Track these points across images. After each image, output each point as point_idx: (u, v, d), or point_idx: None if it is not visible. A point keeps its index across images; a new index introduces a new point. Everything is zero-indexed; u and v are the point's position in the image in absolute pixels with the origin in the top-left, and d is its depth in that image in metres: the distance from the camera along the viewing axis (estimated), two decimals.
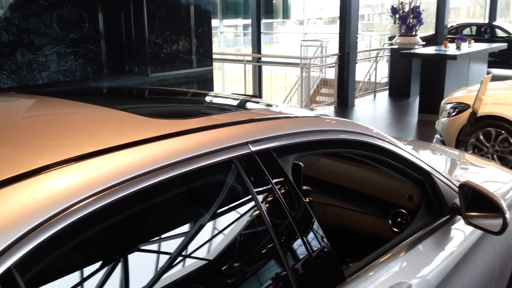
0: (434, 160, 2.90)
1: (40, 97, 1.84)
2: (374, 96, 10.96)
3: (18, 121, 1.45)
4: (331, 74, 11.44)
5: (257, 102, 2.14)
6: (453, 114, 5.80)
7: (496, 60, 13.61)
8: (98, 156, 1.07)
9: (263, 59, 11.92)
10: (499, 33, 15.44)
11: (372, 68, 11.53)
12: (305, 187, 2.51)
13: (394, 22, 12.73)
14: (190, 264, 1.23)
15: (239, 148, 1.31)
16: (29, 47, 4.66)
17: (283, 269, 1.31)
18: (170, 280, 1.16)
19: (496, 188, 2.46)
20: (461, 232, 2.07)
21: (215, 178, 1.33)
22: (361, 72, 11.43)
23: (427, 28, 15.93)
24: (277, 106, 2.02)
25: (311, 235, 1.42)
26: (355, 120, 5.33)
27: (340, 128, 1.75)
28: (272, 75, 11.37)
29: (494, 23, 15.95)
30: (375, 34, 21.18)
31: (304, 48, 15.10)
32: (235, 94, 3.82)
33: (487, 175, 2.95)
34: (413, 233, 1.90)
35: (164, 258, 1.16)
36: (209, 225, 1.29)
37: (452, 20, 14.87)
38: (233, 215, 1.36)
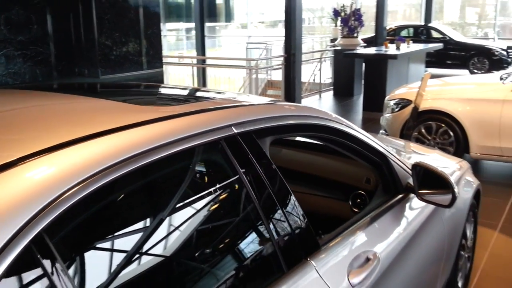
0: None
1: (32, 91, 1.92)
2: (320, 96, 11.27)
3: (21, 110, 1.52)
4: (276, 76, 11.68)
5: (228, 93, 2.27)
6: (397, 109, 6.11)
7: (433, 60, 14.26)
8: (103, 136, 1.16)
9: (210, 62, 12.01)
10: (435, 34, 16.17)
11: (316, 69, 11.84)
12: None
13: (336, 25, 13.13)
14: (186, 232, 1.33)
15: (224, 130, 1.44)
16: None
17: (269, 238, 1.45)
18: (167, 252, 1.27)
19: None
20: (415, 208, 2.27)
21: (206, 156, 1.45)
22: (306, 73, 11.71)
23: (366, 31, 16.47)
24: (249, 96, 2.16)
25: (290, 207, 1.56)
26: None
27: (307, 114, 1.90)
28: (217, 78, 11.49)
29: (430, 24, 16.68)
30: (317, 37, 21.65)
31: (249, 50, 15.29)
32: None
33: (432, 160, 3.18)
34: (372, 210, 2.07)
35: (161, 231, 1.27)
36: (202, 196, 1.41)
37: (389, 23, 15.43)
38: (222, 188, 1.48)
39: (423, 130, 5.85)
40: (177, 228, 1.30)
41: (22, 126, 1.30)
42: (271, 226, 1.46)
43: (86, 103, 1.65)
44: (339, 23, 11.58)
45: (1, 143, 1.15)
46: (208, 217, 1.42)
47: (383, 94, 8.09)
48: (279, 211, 1.51)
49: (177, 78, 12.37)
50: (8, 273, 0.87)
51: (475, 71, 14.71)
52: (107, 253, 1.15)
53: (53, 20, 5.38)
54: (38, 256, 0.92)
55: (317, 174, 2.66)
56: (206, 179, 1.51)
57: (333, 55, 11.68)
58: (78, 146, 1.11)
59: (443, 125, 5.71)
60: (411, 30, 16.72)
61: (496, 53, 14.81)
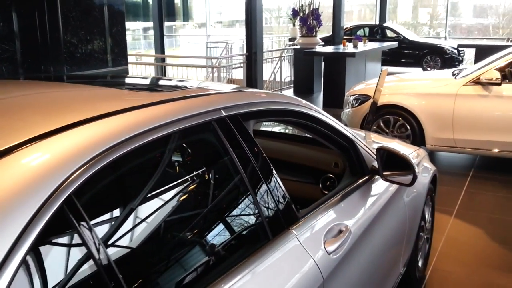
0: None
1: (42, 81, 2.06)
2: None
3: (31, 96, 1.65)
4: (236, 75, 11.84)
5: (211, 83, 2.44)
6: (356, 105, 6.37)
7: (388, 58, 14.74)
8: (112, 116, 1.31)
9: (170, 61, 12.07)
10: (389, 33, 16.68)
11: (277, 68, 12.07)
12: None
13: (294, 25, 13.39)
14: (186, 199, 1.50)
15: (215, 113, 1.61)
16: None
17: (256, 209, 1.62)
18: (168, 217, 1.42)
19: None
20: (379, 188, 2.48)
21: (201, 135, 1.62)
22: (267, 72, 11.93)
23: (323, 31, 16.83)
24: (220, 84, 2.33)
25: (272, 182, 1.73)
26: None
27: (282, 100, 2.08)
28: (178, 77, 11.55)
29: (385, 24, 17.19)
30: (275, 37, 21.94)
31: (209, 49, 15.41)
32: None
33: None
34: (342, 190, 2.27)
35: (164, 198, 1.43)
36: (198, 169, 1.57)
37: (345, 23, 15.83)
38: (215, 164, 1.66)
39: (381, 124, 6.13)
40: (179, 195, 1.47)
41: (40, 109, 1.44)
42: (258, 198, 1.64)
43: (87, 90, 1.79)
44: (297, 22, 11.84)
45: (25, 122, 1.29)
46: (202, 188, 1.58)
47: (342, 90, 8.36)
48: (264, 185, 1.68)
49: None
50: (47, 225, 1.01)
51: (428, 69, 15.27)
52: (121, 212, 1.30)
53: (19, 18, 5.39)
54: (69, 213, 1.07)
55: (289, 161, 2.84)
56: (201, 155, 1.68)
57: (292, 54, 11.93)
58: (96, 123, 1.26)
59: (400, 118, 6.00)
60: (367, 29, 17.19)
61: (448, 51, 15.41)
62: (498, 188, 5.33)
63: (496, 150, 5.62)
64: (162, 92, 1.78)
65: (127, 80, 2.56)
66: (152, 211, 1.39)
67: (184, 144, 1.57)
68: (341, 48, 9.74)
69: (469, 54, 15.36)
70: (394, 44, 12.52)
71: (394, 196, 2.58)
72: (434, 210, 3.62)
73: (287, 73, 12.52)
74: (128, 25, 24.33)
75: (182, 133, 1.47)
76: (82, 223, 1.09)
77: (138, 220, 1.33)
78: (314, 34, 11.05)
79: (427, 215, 3.41)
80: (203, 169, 1.61)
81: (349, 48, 9.70)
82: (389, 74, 6.48)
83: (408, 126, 5.95)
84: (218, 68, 10.56)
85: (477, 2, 25.87)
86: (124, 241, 1.27)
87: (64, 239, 1.12)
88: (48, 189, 1.04)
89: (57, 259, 1.10)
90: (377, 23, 17.63)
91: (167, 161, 1.49)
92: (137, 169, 1.40)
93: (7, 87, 1.87)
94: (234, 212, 1.65)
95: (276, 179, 1.76)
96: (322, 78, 9.80)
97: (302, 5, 11.14)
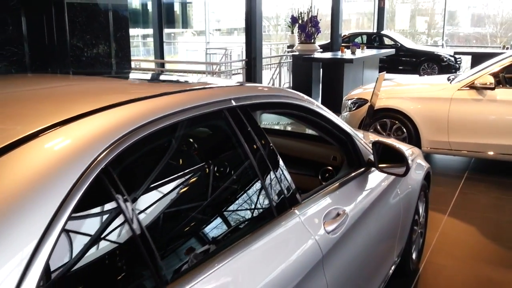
0: None
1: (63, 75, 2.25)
2: None
3: (61, 88, 1.84)
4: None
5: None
6: (354, 108, 6.54)
7: (385, 65, 14.92)
8: (143, 100, 1.50)
9: (171, 66, 12.25)
10: (387, 41, 16.91)
11: (275, 74, 12.25)
12: None
13: (292, 32, 13.62)
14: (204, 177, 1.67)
15: (226, 102, 1.78)
16: None
17: (264, 191, 1.79)
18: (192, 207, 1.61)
19: None
20: (375, 179, 2.64)
21: (213, 121, 1.79)
22: (266, 78, 12.11)
23: (321, 39, 17.07)
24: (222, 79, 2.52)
25: (277, 167, 1.90)
26: (263, 118, 5.92)
27: (285, 94, 2.25)
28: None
29: (382, 32, 17.42)
30: (273, 45, 22.19)
31: (209, 56, 15.62)
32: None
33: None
34: (340, 179, 2.43)
35: (186, 178, 1.60)
36: (214, 151, 1.75)
37: (343, 31, 16.06)
38: (227, 149, 1.84)
39: (378, 127, 6.30)
40: (196, 173, 1.65)
41: (72, 96, 1.62)
42: (264, 179, 1.81)
43: (112, 82, 1.97)
44: (296, 30, 12.03)
45: (60, 107, 1.46)
46: (214, 167, 1.76)
47: (340, 95, 8.54)
48: (270, 169, 1.85)
49: None
50: (88, 189, 1.17)
51: (425, 76, 15.48)
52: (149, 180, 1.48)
53: (28, 22, 5.56)
54: (106, 181, 1.23)
55: (290, 155, 3.01)
56: (216, 139, 1.86)
57: (291, 60, 12.12)
58: (130, 105, 1.44)
59: (396, 122, 6.17)
60: (365, 37, 17.42)
61: (445, 59, 15.62)
62: (491, 189, 5.49)
63: (491, 153, 5.79)
64: (180, 83, 1.97)
65: (145, 76, 2.76)
66: (173, 186, 1.56)
67: (201, 128, 1.75)
68: (339, 55, 9.93)
69: (466, 62, 15.57)
70: (392, 51, 12.72)
71: (389, 188, 2.74)
72: (428, 206, 3.79)
73: (286, 79, 12.71)
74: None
75: (199, 118, 1.64)
76: (114, 193, 1.25)
77: (161, 193, 1.49)
78: (312, 41, 11.24)
79: (421, 210, 3.57)
80: (218, 151, 1.79)
81: (347, 54, 9.90)
82: (385, 80, 6.67)
83: (404, 129, 6.12)
84: (218, 74, 10.75)
85: (474, 11, 26.16)
86: (150, 211, 1.43)
87: (97, 208, 1.27)
88: (86, 162, 1.20)
89: (92, 226, 1.25)
90: (375, 31, 17.86)
91: (186, 143, 1.67)
92: (162, 148, 1.57)
93: (33, 80, 2.05)
94: (247, 193, 1.83)
95: (281, 164, 1.93)
96: (321, 84, 9.97)
97: (301, 13, 11.34)
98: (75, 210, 1.12)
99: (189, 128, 1.65)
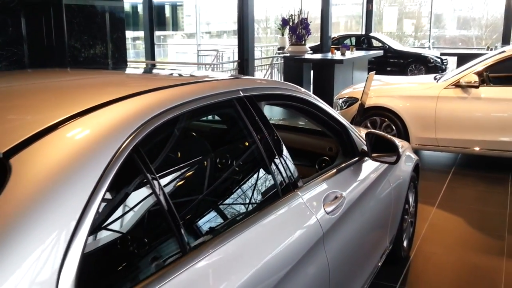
0: None
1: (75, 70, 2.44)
2: None
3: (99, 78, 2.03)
4: None
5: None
6: (345, 107, 6.75)
7: (373, 67, 15.16)
8: (168, 88, 1.69)
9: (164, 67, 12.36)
10: (375, 43, 17.18)
11: (267, 75, 12.45)
12: None
13: (282, 34, 13.82)
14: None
15: (235, 93, 1.95)
16: None
17: (270, 173, 1.97)
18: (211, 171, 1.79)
19: None
20: (368, 168, 2.83)
21: (225, 110, 1.98)
22: None
23: (310, 41, 17.31)
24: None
25: (281, 152, 2.08)
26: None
27: (285, 87, 2.44)
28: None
29: (371, 34, 17.70)
30: (263, 47, 22.41)
31: (201, 57, 15.79)
32: None
33: None
34: (336, 167, 2.62)
35: (205, 158, 1.79)
36: (225, 137, 1.94)
37: (332, 33, 16.30)
38: (237, 135, 2.03)
39: (368, 124, 6.50)
40: (213, 154, 1.84)
41: (94, 87, 1.79)
42: (270, 163, 1.99)
43: (129, 76, 2.15)
44: (286, 32, 12.24)
45: (93, 94, 1.64)
46: (228, 152, 1.95)
47: (331, 96, 8.74)
48: (275, 153, 2.03)
49: None
50: (123, 166, 1.32)
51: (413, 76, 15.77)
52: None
53: (27, 24, 5.70)
54: (137, 158, 1.39)
55: (289, 146, 3.19)
56: (229, 125, 2.05)
57: (282, 62, 12.32)
58: (154, 93, 1.62)
59: (386, 119, 6.38)
60: (353, 39, 17.69)
61: (432, 60, 15.93)
62: (477, 183, 5.72)
63: (476, 149, 6.01)
64: (193, 76, 2.16)
65: (155, 70, 2.96)
66: (193, 166, 1.75)
67: (216, 116, 1.93)
68: (329, 56, 10.15)
69: (452, 63, 15.87)
70: (380, 52, 12.97)
71: (381, 177, 2.94)
72: (417, 197, 3.99)
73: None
74: None
75: (212, 106, 1.81)
76: (143, 171, 1.40)
77: (182, 171, 1.67)
78: (303, 42, 11.45)
79: (411, 200, 3.77)
80: (231, 137, 1.98)
81: (337, 55, 10.12)
82: (374, 80, 6.88)
83: (393, 127, 6.33)
84: None
85: (460, 14, 26.56)
86: (173, 188, 1.61)
87: (133, 181, 1.42)
88: (117, 144, 1.33)
89: (123, 201, 1.40)
90: (364, 33, 18.13)
91: (202, 127, 1.85)
92: (183, 131, 1.76)
93: (50, 73, 2.23)
94: (254, 172, 2.02)
95: (284, 150, 2.11)
96: (312, 85, 10.18)
97: (292, 15, 11.55)
98: (109, 187, 1.24)
99: (204, 114, 1.83)
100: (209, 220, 1.71)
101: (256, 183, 1.99)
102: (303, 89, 2.60)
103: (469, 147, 6.05)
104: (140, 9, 16.52)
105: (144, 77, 2.14)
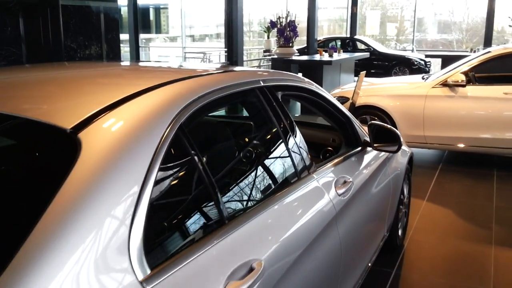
0: None
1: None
2: None
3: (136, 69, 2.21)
4: None
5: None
6: None
7: (358, 69, 15.34)
8: (202, 76, 1.88)
9: None
10: (360, 46, 17.47)
11: None
12: None
13: (268, 37, 14.00)
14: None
15: (256, 82, 2.12)
16: None
17: (291, 159, 2.13)
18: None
19: None
20: (370, 157, 3.01)
21: (248, 97, 2.14)
22: None
23: (296, 44, 17.54)
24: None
25: (298, 137, 2.24)
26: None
27: (294, 79, 2.60)
28: None
29: (356, 37, 17.98)
30: (246, 50, 22.61)
31: (187, 60, 15.90)
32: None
33: None
34: (340, 156, 2.79)
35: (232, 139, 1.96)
36: (252, 121, 2.12)
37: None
38: (259, 118, 2.19)
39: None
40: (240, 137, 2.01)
41: (140, 74, 1.98)
42: (290, 147, 2.15)
43: (161, 67, 2.33)
44: (272, 34, 12.41)
45: (140, 77, 1.80)
46: (255, 134, 2.11)
47: None
48: (292, 138, 2.19)
49: None
50: (173, 139, 1.47)
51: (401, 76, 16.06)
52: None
53: (25, 24, 5.80)
54: (181, 135, 1.54)
55: None
56: (251, 111, 2.22)
57: (270, 64, 12.49)
58: (192, 79, 1.79)
59: (376, 118, 6.57)
60: (339, 41, 17.96)
61: (415, 62, 16.25)
62: (464, 178, 5.94)
63: (462, 146, 6.24)
64: (221, 67, 2.35)
65: (184, 63, 3.16)
66: (227, 144, 1.94)
67: (240, 104, 2.10)
68: (318, 57, 10.35)
69: (436, 66, 16.21)
70: (366, 54, 13.23)
71: (382, 166, 3.11)
72: (410, 188, 4.18)
73: None
74: None
75: (239, 94, 1.97)
76: (188, 146, 1.56)
77: (220, 148, 1.85)
78: (290, 44, 11.64)
79: (406, 191, 3.96)
80: (257, 122, 2.15)
81: (325, 57, 10.33)
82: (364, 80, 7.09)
83: None
84: None
85: (441, 18, 27.07)
86: (213, 162, 1.78)
87: (178, 159, 1.56)
88: (170, 116, 1.50)
89: (173, 173, 1.54)
90: (348, 36, 18.41)
91: (233, 112, 2.02)
92: (217, 115, 1.93)
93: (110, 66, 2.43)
94: (277, 156, 2.18)
95: (300, 135, 2.27)
96: None
97: (280, 17, 11.74)
98: (164, 157, 1.40)
99: (232, 101, 2.00)
100: (243, 197, 1.86)
101: (279, 165, 2.15)
102: (314, 83, 2.77)
103: (455, 144, 6.27)
104: (124, 11, 16.57)
105: (177, 68, 2.33)
